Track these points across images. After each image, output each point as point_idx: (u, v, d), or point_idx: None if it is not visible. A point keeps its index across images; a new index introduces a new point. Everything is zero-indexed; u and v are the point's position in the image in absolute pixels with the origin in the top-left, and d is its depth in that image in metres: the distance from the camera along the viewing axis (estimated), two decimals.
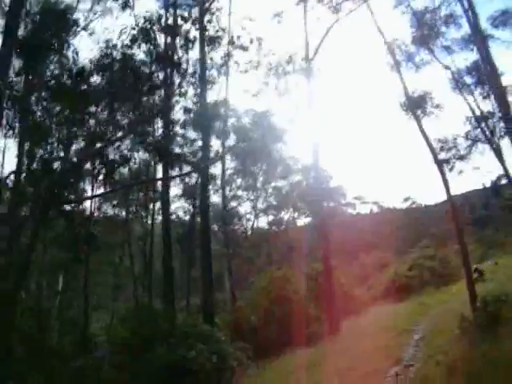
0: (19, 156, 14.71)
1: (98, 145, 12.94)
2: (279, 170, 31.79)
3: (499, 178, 30.73)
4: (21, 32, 12.90)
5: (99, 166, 13.13)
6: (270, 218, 34.82)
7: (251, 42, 20.40)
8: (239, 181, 30.76)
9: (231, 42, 19.98)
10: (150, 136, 15.04)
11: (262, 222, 35.36)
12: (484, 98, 18.41)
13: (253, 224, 33.08)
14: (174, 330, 11.77)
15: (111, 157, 13.03)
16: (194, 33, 16.95)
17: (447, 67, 17.79)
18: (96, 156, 12.86)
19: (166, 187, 18.78)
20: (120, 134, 12.92)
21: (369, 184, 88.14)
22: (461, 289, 15.55)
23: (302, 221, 38.06)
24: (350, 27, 32.76)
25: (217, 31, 17.80)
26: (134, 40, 12.80)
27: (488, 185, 34.73)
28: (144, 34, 12.89)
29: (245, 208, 33.20)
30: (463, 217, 27.85)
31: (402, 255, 33.79)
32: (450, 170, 19.62)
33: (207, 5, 17.66)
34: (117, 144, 13.06)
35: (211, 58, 19.19)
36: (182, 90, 14.38)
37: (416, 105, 19.61)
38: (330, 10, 19.35)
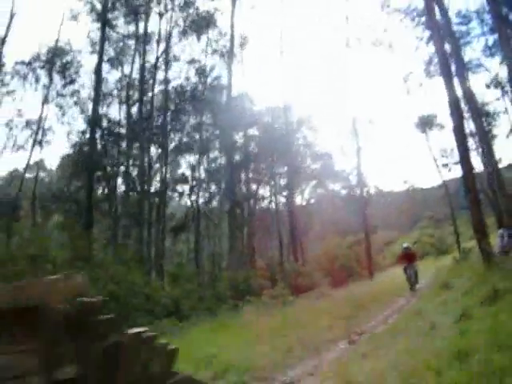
0: None
1: None
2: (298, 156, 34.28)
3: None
4: None
5: None
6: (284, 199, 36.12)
7: None
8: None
9: None
10: None
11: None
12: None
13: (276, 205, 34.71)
14: None
15: None
16: None
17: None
18: None
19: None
20: None
21: (366, 168, 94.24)
22: (454, 256, 23.83)
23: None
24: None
25: None
26: None
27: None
28: None
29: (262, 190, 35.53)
30: (459, 201, 35.06)
31: (406, 234, 41.61)
32: (449, 171, 28.04)
33: None
34: None
35: None
36: None
37: (425, 124, 27.73)
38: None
